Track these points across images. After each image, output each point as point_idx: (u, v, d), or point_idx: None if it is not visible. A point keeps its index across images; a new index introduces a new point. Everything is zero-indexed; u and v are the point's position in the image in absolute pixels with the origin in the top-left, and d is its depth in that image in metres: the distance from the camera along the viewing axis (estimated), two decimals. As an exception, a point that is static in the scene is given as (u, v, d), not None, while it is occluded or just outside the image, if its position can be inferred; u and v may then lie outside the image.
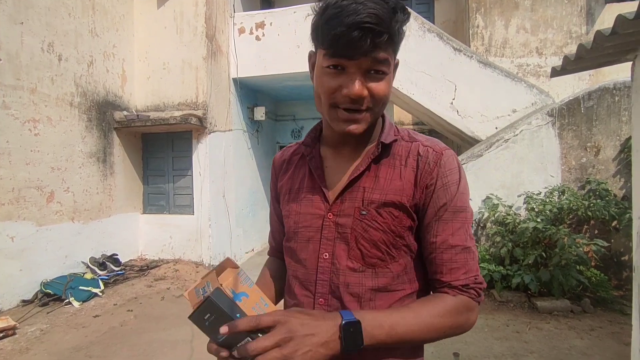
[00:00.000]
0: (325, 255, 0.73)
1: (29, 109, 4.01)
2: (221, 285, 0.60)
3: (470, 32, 6.63)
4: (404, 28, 0.67)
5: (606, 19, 6.20)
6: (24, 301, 3.93)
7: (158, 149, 5.87)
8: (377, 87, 0.66)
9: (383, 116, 0.78)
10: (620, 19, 1.34)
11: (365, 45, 0.61)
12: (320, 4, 0.66)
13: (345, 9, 0.60)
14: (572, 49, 6.36)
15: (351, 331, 0.58)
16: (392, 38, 0.63)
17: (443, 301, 0.68)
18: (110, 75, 5.25)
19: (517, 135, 4.29)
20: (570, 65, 2.02)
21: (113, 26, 5.28)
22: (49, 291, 4.00)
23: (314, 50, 0.73)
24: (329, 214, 0.74)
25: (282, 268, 0.92)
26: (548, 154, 4.25)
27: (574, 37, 6.26)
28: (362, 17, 0.59)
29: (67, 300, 3.97)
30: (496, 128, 5.12)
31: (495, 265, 3.91)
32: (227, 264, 0.68)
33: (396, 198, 0.71)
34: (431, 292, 0.75)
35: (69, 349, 3.11)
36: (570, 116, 4.20)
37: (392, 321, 0.62)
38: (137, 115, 5.39)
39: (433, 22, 7.73)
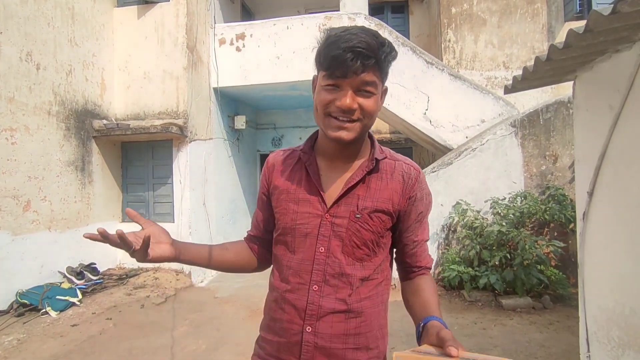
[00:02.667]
0: (321, 249, 0.88)
1: (6, 117, 4.00)
2: None
3: (443, 46, 6.99)
4: (391, 60, 0.83)
5: (564, 36, 6.68)
6: (-2, 312, 3.87)
7: (138, 158, 5.89)
8: (366, 102, 0.81)
9: (372, 137, 0.96)
10: (571, 33, 1.55)
11: (355, 65, 0.76)
12: (324, 36, 0.83)
13: (342, 37, 0.77)
14: (535, 63, 6.81)
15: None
16: (378, 63, 0.79)
17: (428, 281, 0.97)
18: (89, 84, 5.27)
19: (483, 144, 4.58)
20: (518, 84, 2.27)
21: (93, 35, 5.31)
22: (25, 301, 3.96)
23: (316, 74, 0.89)
24: (327, 214, 0.88)
25: (245, 251, 1.08)
26: (512, 162, 4.56)
27: (536, 52, 6.70)
28: (355, 43, 0.76)
29: (44, 310, 3.93)
30: (466, 137, 5.43)
31: (464, 267, 4.14)
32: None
33: (385, 206, 0.89)
34: (408, 275, 1.00)
35: (47, 358, 3.11)
36: (531, 127, 4.53)
37: (439, 313, 0.88)
38: (117, 124, 5.40)
39: (408, 36, 8.10)
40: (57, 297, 4.10)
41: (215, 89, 6.20)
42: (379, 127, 8.49)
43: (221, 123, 6.54)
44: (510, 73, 6.78)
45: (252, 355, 1.00)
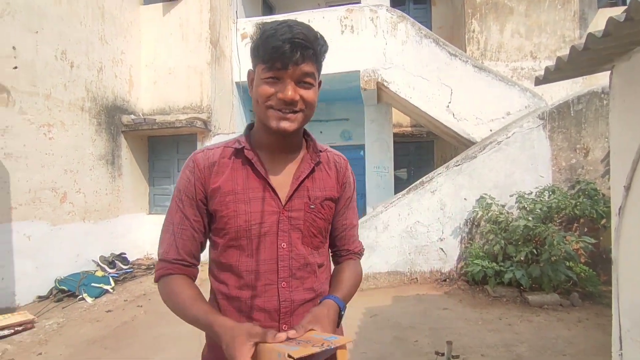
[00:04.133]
0: (284, 245, 0.87)
1: (43, 114, 4.20)
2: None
3: (467, 37, 6.83)
4: (325, 53, 0.85)
5: (599, 23, 6.40)
6: (39, 297, 4.12)
7: (164, 152, 6.07)
8: (306, 93, 0.82)
9: (306, 131, 0.97)
10: (611, 21, 1.49)
11: (295, 56, 0.78)
12: (258, 31, 0.83)
13: (279, 30, 0.78)
14: (565, 52, 6.55)
15: (343, 310, 0.89)
16: (315, 55, 0.81)
17: (353, 265, 1.02)
18: (118, 80, 5.45)
19: (509, 137, 4.48)
20: (551, 75, 2.21)
21: (121, 33, 5.48)
22: (63, 287, 4.19)
23: (252, 69, 0.88)
24: (283, 210, 0.88)
25: (194, 284, 0.90)
26: (539, 155, 4.43)
27: (567, 41, 6.45)
28: (293, 35, 0.77)
29: (81, 296, 4.15)
30: (490, 130, 5.31)
31: (488, 262, 4.09)
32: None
33: (332, 193, 0.95)
34: (337, 259, 1.04)
35: (85, 341, 3.29)
36: (561, 119, 4.39)
37: (348, 293, 0.93)
38: (144, 119, 5.58)
39: (430, 27, 7.93)
40: (92, 284, 4.32)
41: (237, 83, 6.30)
42: (400, 121, 8.40)
43: (243, 117, 6.64)
44: (538, 63, 6.56)
45: None
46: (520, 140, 4.46)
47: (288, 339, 0.70)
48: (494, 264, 4.08)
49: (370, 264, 4.48)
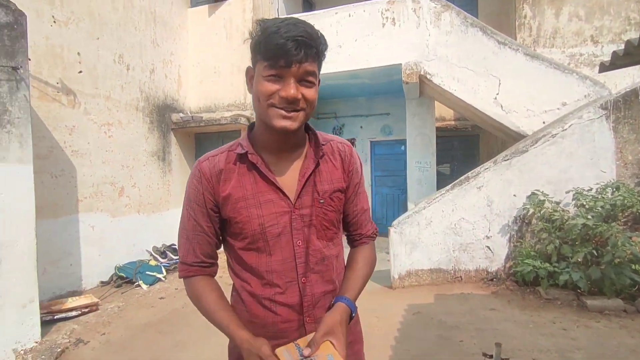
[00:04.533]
0: (299, 243, 0.90)
1: (104, 114, 4.56)
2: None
3: (517, 23, 6.42)
4: (325, 51, 0.85)
5: (672, 2, 5.75)
6: (102, 282, 4.50)
7: (209, 147, 6.29)
8: (308, 92, 0.82)
9: (308, 125, 0.95)
10: None
11: (299, 55, 0.77)
12: (259, 27, 0.81)
13: (282, 27, 0.77)
14: (631, 35, 5.96)
15: (354, 312, 0.92)
16: (318, 54, 0.81)
17: (366, 251, 1.05)
18: (168, 80, 5.76)
19: (565, 129, 4.17)
20: (619, 61, 2.03)
21: (171, 36, 5.78)
22: (122, 274, 4.54)
23: (252, 66, 0.87)
24: (294, 209, 0.89)
25: (215, 284, 0.97)
26: (600, 148, 4.09)
27: (632, 24, 5.87)
28: (297, 33, 0.76)
29: (137, 283, 4.48)
30: (544, 122, 4.98)
31: (540, 262, 3.86)
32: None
33: (340, 185, 0.96)
34: (352, 243, 1.07)
35: (142, 325, 3.56)
36: (627, 109, 4.01)
37: (360, 287, 0.97)
38: (192, 117, 5.86)
39: (477, 15, 7.56)
40: (147, 272, 4.64)
41: (278, 81, 6.40)
42: (443, 114, 8.11)
43: (284, 114, 6.75)
44: (599, 48, 6.03)
45: None
46: (579, 133, 4.14)
47: (302, 357, 0.77)
48: (547, 264, 3.83)
49: (412, 260, 4.40)
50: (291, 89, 0.79)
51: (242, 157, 0.90)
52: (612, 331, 3.15)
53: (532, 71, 5.08)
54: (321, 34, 0.83)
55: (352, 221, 1.03)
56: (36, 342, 2.92)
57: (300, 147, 0.94)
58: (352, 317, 0.90)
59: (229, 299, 0.98)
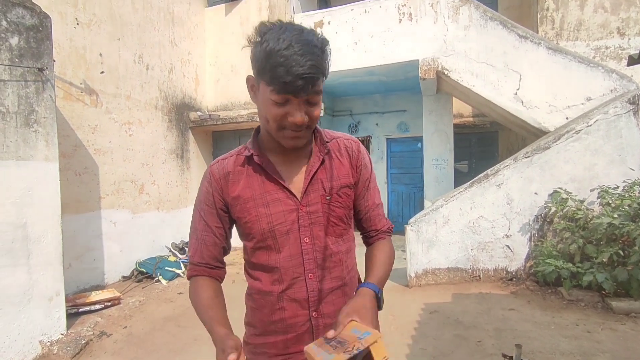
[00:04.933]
0: (306, 240, 0.91)
1: (125, 113, 4.67)
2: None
3: (539, 16, 6.22)
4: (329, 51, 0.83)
5: None
6: (123, 277, 4.63)
7: (226, 146, 6.42)
8: (314, 111, 0.83)
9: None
10: None
11: (307, 89, 0.77)
12: (261, 47, 0.77)
13: (289, 59, 0.73)
14: (661, 27, 5.70)
15: (380, 293, 0.89)
16: (324, 75, 0.81)
17: (385, 245, 1.03)
18: (186, 79, 5.85)
19: (590, 125, 4.03)
20: (648, 53, 1.94)
21: (189, 35, 5.86)
22: (143, 269, 4.67)
23: (254, 77, 0.85)
24: (301, 206, 0.91)
25: (217, 286, 0.97)
26: (628, 145, 3.93)
27: (663, 14, 5.60)
28: (305, 70, 0.74)
29: (157, 278, 4.59)
30: (567, 118, 4.82)
31: (563, 262, 3.75)
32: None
33: (347, 180, 0.96)
34: (367, 240, 1.06)
35: (162, 318, 3.65)
36: (656, 103, 3.84)
37: (383, 275, 0.95)
38: (209, 115, 5.94)
39: (496, 8, 7.37)
40: (166, 268, 4.74)
41: (294, 79, 6.41)
42: (461, 111, 7.96)
43: (300, 111, 6.76)
44: (626, 41, 5.79)
45: None
46: (605, 129, 3.99)
47: (326, 339, 0.75)
48: (570, 264, 3.72)
49: (429, 259, 4.35)
50: (298, 116, 0.81)
51: (250, 160, 0.93)
52: (639, 334, 3.04)
53: (555, 65, 4.92)
54: (325, 41, 0.81)
55: (365, 217, 1.03)
56: (62, 334, 3.03)
57: (306, 146, 0.95)
58: (378, 299, 0.87)
59: (241, 300, 1.02)
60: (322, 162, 0.94)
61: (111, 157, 4.48)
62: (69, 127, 4.03)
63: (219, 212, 0.95)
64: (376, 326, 0.80)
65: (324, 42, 0.81)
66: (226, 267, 1.05)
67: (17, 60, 2.90)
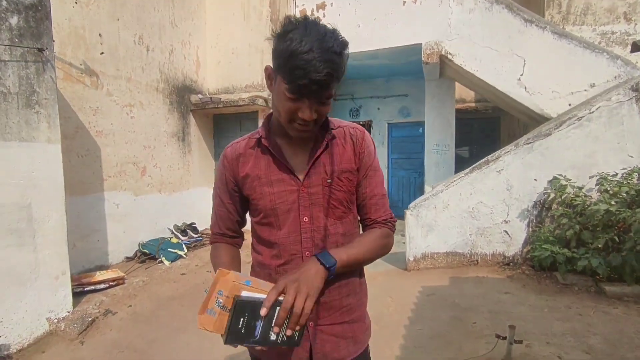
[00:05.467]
0: (305, 219, 0.97)
1: (126, 95, 4.65)
2: (233, 283, 0.76)
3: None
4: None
5: None
6: (127, 258, 4.71)
7: (227, 128, 6.41)
8: (324, 109, 0.88)
9: None
10: None
11: (320, 94, 0.82)
12: (285, 43, 0.80)
13: (308, 63, 0.77)
14: (670, 12, 5.60)
15: (330, 261, 0.89)
16: (338, 78, 0.84)
17: (374, 232, 1.04)
18: (187, 62, 5.80)
19: (592, 112, 4.02)
20: (653, 40, 1.93)
21: (189, 16, 5.77)
22: (146, 251, 4.74)
23: (273, 68, 0.89)
24: (302, 187, 0.97)
25: (234, 250, 1.10)
26: (629, 132, 3.93)
27: (673, -1, 5.50)
28: (321, 77, 0.78)
29: (160, 260, 4.67)
30: (569, 105, 4.80)
31: (559, 248, 3.81)
32: (219, 276, 0.81)
33: (349, 166, 1.00)
34: (364, 228, 1.09)
35: (166, 298, 3.74)
36: (659, 91, 3.82)
37: (349, 251, 0.95)
38: (210, 98, 5.91)
39: (502, -9, 7.21)
40: (169, 249, 4.82)
41: (296, 62, 6.34)
42: (463, 96, 7.91)
43: (301, 95, 6.71)
44: (633, 26, 5.71)
45: None
46: (606, 116, 3.98)
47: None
48: (566, 249, 3.79)
49: (427, 243, 4.42)
50: (308, 113, 0.85)
51: (259, 142, 1.01)
52: (631, 318, 3.12)
53: (560, 50, 4.87)
54: (343, 45, 0.84)
55: (362, 204, 1.06)
56: (68, 312, 3.12)
57: None
58: (328, 271, 0.88)
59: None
60: (326, 147, 0.99)
61: (113, 139, 4.49)
62: (70, 108, 4.02)
63: (231, 190, 1.04)
64: (310, 292, 0.82)
65: (343, 46, 0.84)
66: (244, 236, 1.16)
67: (16, 40, 2.88)
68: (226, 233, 1.10)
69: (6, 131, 2.78)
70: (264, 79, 0.95)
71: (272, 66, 0.90)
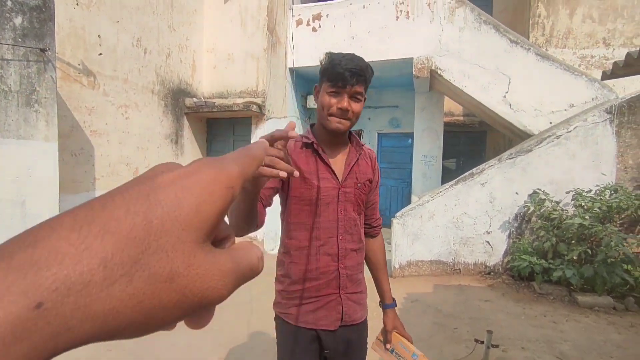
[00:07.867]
0: (341, 211, 1.25)
1: (122, 96, 4.70)
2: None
3: (531, 22, 6.43)
4: (371, 77, 1.18)
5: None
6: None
7: (221, 133, 6.48)
8: (356, 106, 1.17)
9: (351, 132, 1.29)
10: None
11: (352, 80, 1.12)
12: (328, 59, 1.16)
13: (343, 61, 1.12)
14: (645, 39, 5.96)
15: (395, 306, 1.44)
16: (365, 80, 1.15)
17: (381, 246, 1.44)
18: (183, 65, 5.87)
19: (570, 131, 4.26)
20: (619, 71, 2.13)
21: (187, 21, 5.86)
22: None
23: (319, 84, 1.21)
24: (341, 187, 1.24)
25: (257, 211, 1.16)
26: (603, 152, 4.19)
27: (647, 27, 5.86)
28: (352, 66, 1.11)
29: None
30: (550, 123, 5.06)
31: (537, 258, 4.01)
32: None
33: (369, 176, 1.31)
34: (367, 231, 1.40)
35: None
36: (631, 114, 4.09)
37: (386, 283, 1.44)
38: (205, 102, 5.99)
39: (491, 12, 7.55)
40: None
41: (290, 69, 6.49)
42: (452, 109, 8.17)
43: (295, 102, 6.85)
44: (611, 51, 6.05)
45: (287, 307, 1.27)
46: (583, 135, 4.23)
47: (386, 348, 1.38)
48: (543, 260, 3.99)
49: (413, 251, 4.57)
50: (344, 102, 1.14)
51: (308, 145, 1.25)
52: (600, 326, 3.31)
53: (542, 71, 5.14)
54: (369, 65, 1.18)
55: (368, 207, 1.36)
56: (58, 309, 3.13)
57: (345, 145, 1.30)
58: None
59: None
60: (357, 159, 1.28)
61: (107, 139, 4.52)
62: (66, 107, 4.05)
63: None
64: (407, 335, 1.38)
65: (369, 65, 1.17)
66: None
67: (20, 40, 2.93)
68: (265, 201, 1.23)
69: (5, 128, 2.82)
70: (313, 96, 1.27)
71: (317, 84, 1.22)
